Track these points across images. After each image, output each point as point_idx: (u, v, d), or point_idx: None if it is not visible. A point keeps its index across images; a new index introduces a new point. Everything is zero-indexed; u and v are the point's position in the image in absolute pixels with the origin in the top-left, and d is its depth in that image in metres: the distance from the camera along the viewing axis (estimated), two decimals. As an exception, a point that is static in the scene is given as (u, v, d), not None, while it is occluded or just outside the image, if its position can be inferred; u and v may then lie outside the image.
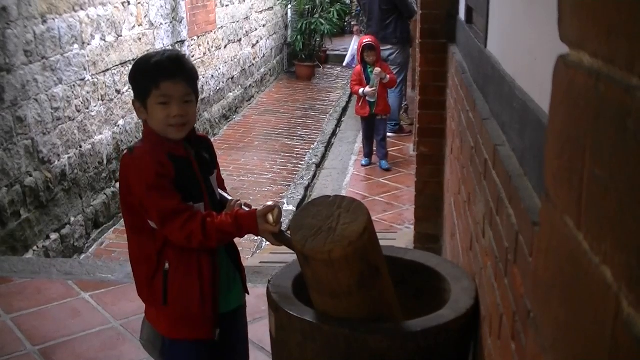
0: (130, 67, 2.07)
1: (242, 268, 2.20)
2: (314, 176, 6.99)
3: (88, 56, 5.42)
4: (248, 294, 2.24)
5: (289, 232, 1.94)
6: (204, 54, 8.26)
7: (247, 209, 2.03)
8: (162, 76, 1.92)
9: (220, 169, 2.24)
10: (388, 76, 6.52)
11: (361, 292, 1.83)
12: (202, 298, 2.00)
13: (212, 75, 8.56)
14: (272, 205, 1.96)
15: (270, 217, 1.93)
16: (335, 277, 1.80)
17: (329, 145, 8.06)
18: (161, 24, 6.94)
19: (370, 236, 1.83)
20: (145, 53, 2.09)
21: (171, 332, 2.05)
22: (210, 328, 2.05)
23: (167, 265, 1.98)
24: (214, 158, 2.17)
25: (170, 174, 1.93)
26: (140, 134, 2.13)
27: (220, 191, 2.16)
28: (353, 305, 1.84)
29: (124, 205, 2.05)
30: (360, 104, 6.70)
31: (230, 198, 2.13)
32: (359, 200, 1.92)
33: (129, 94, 6.06)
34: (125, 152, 2.08)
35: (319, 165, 7.32)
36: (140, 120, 2.13)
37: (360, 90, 6.54)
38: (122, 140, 6.03)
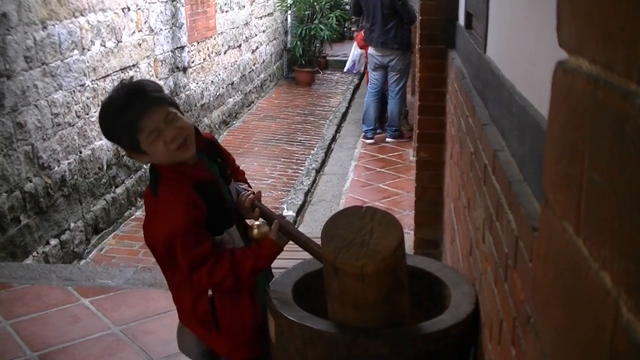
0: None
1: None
2: (313, 182, 6.99)
3: (88, 62, 5.43)
4: None
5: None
6: (204, 59, 8.27)
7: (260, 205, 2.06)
8: (135, 118, 1.80)
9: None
10: None
11: (385, 305, 1.82)
12: (254, 318, 2.03)
13: (212, 81, 8.57)
14: (258, 214, 2.02)
15: (276, 227, 1.98)
16: (363, 290, 1.78)
17: (328, 151, 8.06)
18: (161, 29, 6.95)
19: (402, 252, 1.82)
20: (102, 103, 1.96)
21: (232, 355, 2.07)
22: (265, 343, 2.04)
23: (209, 291, 1.96)
24: (224, 156, 2.10)
25: (201, 210, 1.86)
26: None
27: (235, 185, 2.09)
28: (373, 317, 1.84)
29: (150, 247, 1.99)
30: None
31: (242, 192, 2.07)
32: (391, 214, 1.89)
33: (128, 99, 6.03)
34: (147, 192, 1.97)
35: (318, 171, 7.32)
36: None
37: None
38: (122, 146, 6.02)
